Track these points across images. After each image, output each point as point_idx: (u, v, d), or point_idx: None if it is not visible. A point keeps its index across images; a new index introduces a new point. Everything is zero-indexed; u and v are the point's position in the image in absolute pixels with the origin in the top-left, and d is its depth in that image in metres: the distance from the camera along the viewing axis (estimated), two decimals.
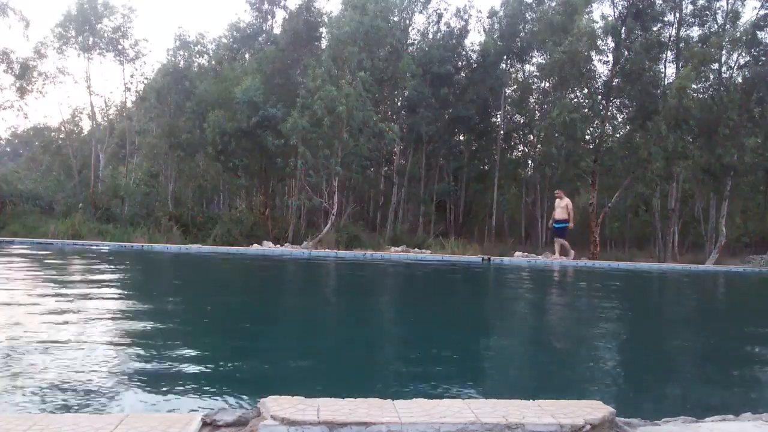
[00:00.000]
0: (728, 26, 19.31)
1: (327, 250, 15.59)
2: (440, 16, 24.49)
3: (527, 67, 26.27)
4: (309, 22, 21.71)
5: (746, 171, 18.78)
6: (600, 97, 19.73)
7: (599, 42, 19.24)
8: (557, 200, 14.98)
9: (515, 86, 26.17)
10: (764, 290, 12.08)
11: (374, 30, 17.72)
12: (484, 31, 25.11)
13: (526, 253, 17.43)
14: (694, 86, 18.71)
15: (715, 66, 19.63)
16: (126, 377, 2.80)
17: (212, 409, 1.76)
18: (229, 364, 3.34)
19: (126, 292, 6.54)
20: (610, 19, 19.20)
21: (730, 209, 20.92)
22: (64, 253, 12.20)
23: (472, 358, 3.88)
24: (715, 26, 20.45)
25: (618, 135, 21.57)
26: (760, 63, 19.34)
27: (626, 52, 19.14)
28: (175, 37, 21.53)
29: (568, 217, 14.53)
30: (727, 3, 19.91)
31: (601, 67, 20.18)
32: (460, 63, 24.45)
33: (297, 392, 1.79)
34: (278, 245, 16.83)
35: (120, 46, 21.48)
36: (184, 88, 19.99)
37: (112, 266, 9.78)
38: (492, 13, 24.81)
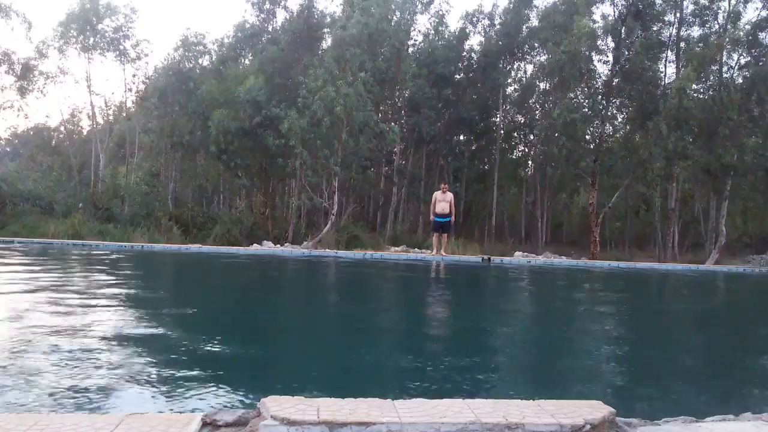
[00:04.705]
0: (729, 26, 19.30)
1: (327, 250, 15.58)
2: (442, 17, 24.52)
3: (528, 66, 26.32)
4: (310, 22, 21.72)
5: (746, 171, 18.75)
6: (600, 97, 19.73)
7: (599, 42, 19.26)
8: (440, 193, 13.97)
9: (516, 86, 26.19)
10: (764, 290, 12.07)
11: (378, 32, 17.76)
12: (484, 33, 25.16)
13: (526, 253, 17.44)
14: (694, 86, 18.71)
15: (716, 66, 19.63)
16: (126, 377, 2.80)
17: (212, 409, 1.76)
18: (230, 364, 3.34)
19: (125, 292, 6.54)
20: (610, 18, 19.21)
21: (730, 209, 20.90)
22: (65, 253, 12.20)
23: (474, 357, 3.88)
24: (716, 26, 20.45)
25: (618, 135, 21.57)
26: (760, 63, 19.33)
27: (626, 52, 19.13)
28: (180, 38, 21.57)
29: (450, 211, 13.82)
30: (729, 3, 19.90)
31: (601, 67, 20.22)
32: (461, 64, 24.48)
33: (298, 389, 1.79)
34: (278, 245, 16.83)
35: (121, 47, 21.50)
36: (187, 89, 19.99)
37: (112, 266, 9.78)
38: (491, 16, 24.86)
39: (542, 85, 24.95)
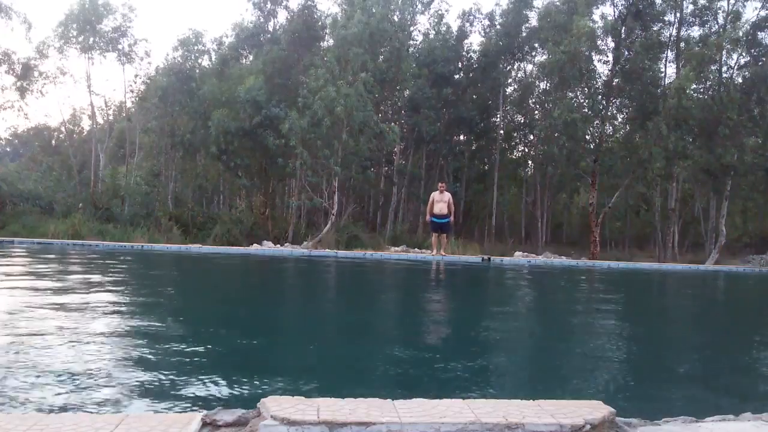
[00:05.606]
0: (729, 26, 19.32)
1: (327, 250, 15.58)
2: (441, 17, 24.54)
3: (527, 66, 26.33)
4: (310, 22, 21.71)
5: (746, 171, 18.78)
6: (600, 97, 19.75)
7: (599, 42, 19.27)
8: (437, 193, 13.67)
9: (516, 86, 26.19)
10: (765, 290, 12.07)
11: (380, 32, 17.79)
12: (484, 33, 25.17)
13: (526, 253, 17.45)
14: (694, 86, 18.73)
15: (715, 66, 19.65)
16: (126, 377, 2.80)
17: (212, 409, 1.76)
18: (230, 364, 3.34)
19: (124, 292, 6.54)
20: (610, 18, 19.21)
21: (730, 209, 20.92)
22: (62, 253, 12.20)
23: (473, 356, 3.87)
24: (716, 26, 20.46)
25: (618, 135, 21.56)
26: (760, 63, 19.35)
27: (626, 52, 19.14)
28: (179, 38, 21.53)
29: (448, 212, 13.51)
30: (728, 3, 19.92)
31: (601, 67, 20.23)
32: (461, 63, 24.49)
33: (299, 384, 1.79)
34: (278, 245, 16.83)
35: (120, 46, 21.48)
36: (189, 89, 19.97)
37: (109, 265, 9.78)
38: (491, 16, 24.88)
39: (542, 85, 24.96)
